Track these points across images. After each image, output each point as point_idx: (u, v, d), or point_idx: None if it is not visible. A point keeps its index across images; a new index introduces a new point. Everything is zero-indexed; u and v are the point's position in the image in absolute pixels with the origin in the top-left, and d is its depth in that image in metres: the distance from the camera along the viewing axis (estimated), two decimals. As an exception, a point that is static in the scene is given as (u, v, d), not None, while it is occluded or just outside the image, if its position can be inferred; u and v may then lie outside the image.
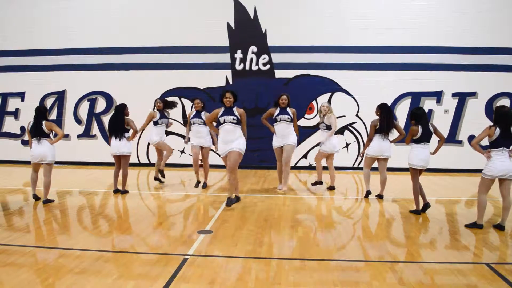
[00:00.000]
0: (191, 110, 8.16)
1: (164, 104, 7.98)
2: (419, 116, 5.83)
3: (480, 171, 5.33)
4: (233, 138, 6.08)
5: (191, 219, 5.87)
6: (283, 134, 7.09)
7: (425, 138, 5.84)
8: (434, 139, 5.92)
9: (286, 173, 7.20)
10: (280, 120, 7.03)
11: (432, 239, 4.89)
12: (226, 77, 10.66)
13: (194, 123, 7.57)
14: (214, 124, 6.28)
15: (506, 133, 5.03)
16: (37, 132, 6.37)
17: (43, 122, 6.37)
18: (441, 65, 10.18)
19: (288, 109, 7.06)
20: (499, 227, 5.19)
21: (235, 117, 6.05)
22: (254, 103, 10.33)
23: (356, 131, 10.49)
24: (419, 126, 5.80)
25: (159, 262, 3.93)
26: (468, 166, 9.86)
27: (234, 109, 6.13)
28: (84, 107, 11.06)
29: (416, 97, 10.32)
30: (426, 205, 5.98)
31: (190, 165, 9.83)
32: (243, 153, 6.24)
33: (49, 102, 11.01)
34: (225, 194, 7.37)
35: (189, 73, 10.63)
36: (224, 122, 6.06)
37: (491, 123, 5.19)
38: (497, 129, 5.03)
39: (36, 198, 6.53)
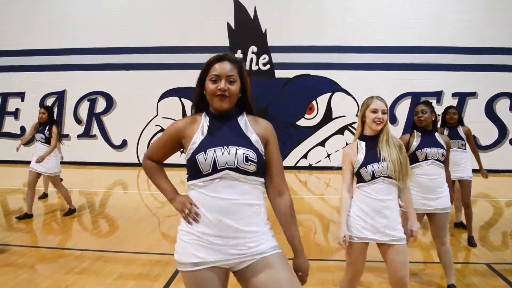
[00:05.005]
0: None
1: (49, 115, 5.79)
2: None
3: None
4: (439, 188, 3.59)
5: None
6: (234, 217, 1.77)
7: None
8: None
9: None
10: (219, 178, 1.77)
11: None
12: (226, 77, 10.67)
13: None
14: None
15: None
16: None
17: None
18: (441, 65, 10.17)
19: (252, 123, 1.94)
20: None
21: (444, 151, 3.45)
22: (255, 103, 10.32)
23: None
24: None
25: (159, 262, 3.93)
26: (468, 166, 9.86)
27: (437, 134, 3.52)
28: (84, 107, 11.05)
29: (416, 97, 10.30)
30: None
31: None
32: None
33: (49, 102, 11.00)
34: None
35: (189, 73, 10.51)
36: (427, 158, 3.45)
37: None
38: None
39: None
